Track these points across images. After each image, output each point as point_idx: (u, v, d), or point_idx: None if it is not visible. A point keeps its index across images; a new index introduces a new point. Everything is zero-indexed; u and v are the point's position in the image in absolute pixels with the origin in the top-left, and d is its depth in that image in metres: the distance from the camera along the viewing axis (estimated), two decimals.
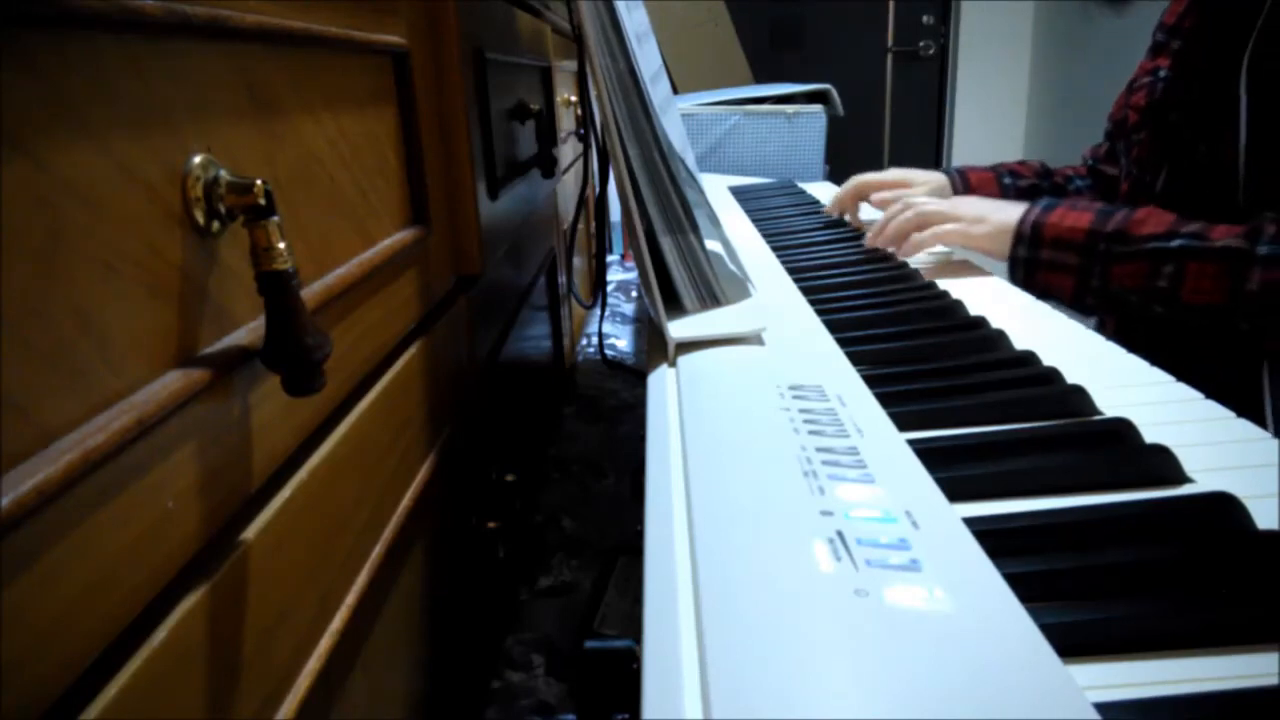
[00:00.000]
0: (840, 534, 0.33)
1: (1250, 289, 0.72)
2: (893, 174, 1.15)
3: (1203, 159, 0.88)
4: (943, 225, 0.92)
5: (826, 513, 0.35)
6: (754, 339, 0.58)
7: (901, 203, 0.96)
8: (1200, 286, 0.74)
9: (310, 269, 0.32)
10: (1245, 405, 0.52)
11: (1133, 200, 0.99)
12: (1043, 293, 0.84)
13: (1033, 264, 0.85)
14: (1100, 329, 0.96)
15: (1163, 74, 0.96)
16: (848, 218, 1.18)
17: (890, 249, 0.96)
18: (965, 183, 1.14)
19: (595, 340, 1.14)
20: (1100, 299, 0.82)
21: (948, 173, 1.15)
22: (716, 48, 3.01)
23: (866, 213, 1.18)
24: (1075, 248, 0.82)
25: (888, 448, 0.41)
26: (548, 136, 0.80)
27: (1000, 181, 1.14)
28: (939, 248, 0.97)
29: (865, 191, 1.15)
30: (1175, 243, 0.76)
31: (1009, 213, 0.88)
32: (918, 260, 0.95)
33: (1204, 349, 0.79)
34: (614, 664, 0.44)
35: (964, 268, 0.93)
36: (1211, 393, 0.55)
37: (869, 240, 0.98)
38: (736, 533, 0.34)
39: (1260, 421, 0.50)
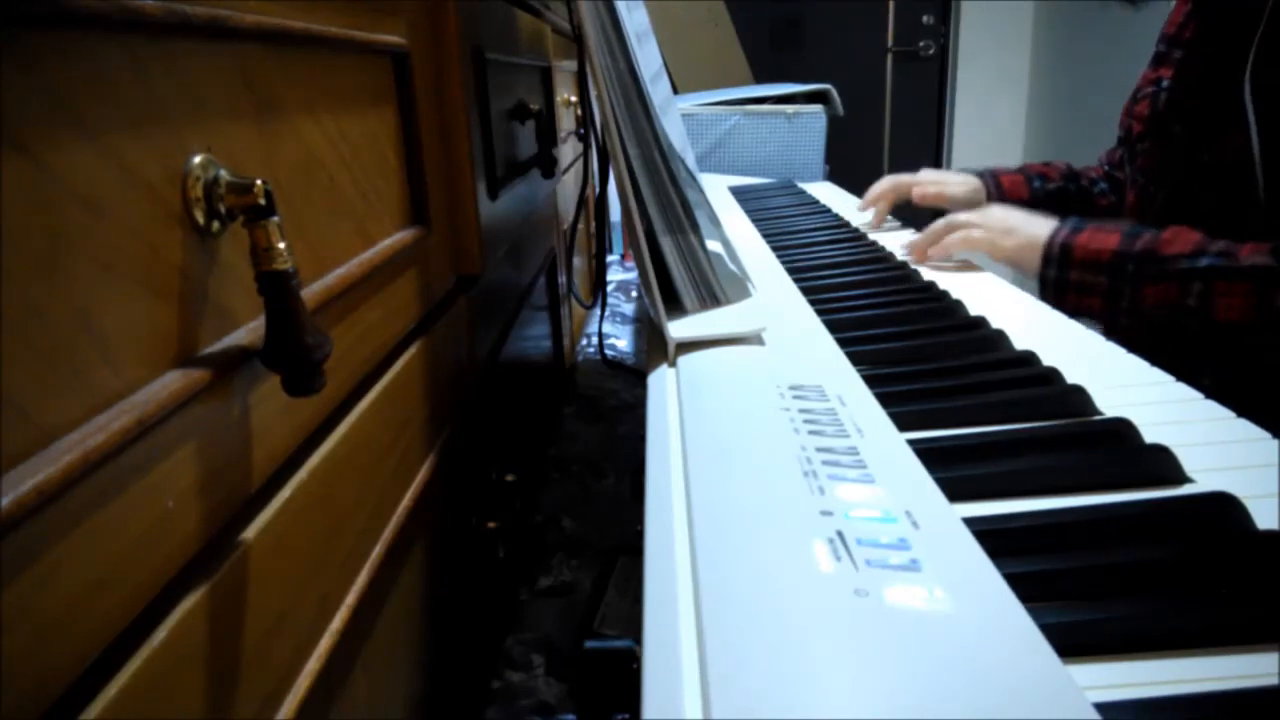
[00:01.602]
0: (840, 534, 0.33)
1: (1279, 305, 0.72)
2: (927, 174, 1.17)
3: (1206, 168, 0.88)
4: (972, 231, 0.92)
5: (826, 513, 0.35)
6: (754, 339, 0.58)
7: (938, 222, 0.97)
8: (1230, 304, 0.75)
9: (310, 269, 0.32)
10: (1245, 408, 0.52)
11: (1139, 210, 1.00)
12: (1073, 312, 0.83)
13: (1062, 284, 0.85)
14: (1106, 332, 0.96)
15: (1165, 84, 0.96)
16: (870, 218, 1.20)
17: (922, 261, 0.96)
18: (997, 183, 1.16)
19: (595, 340, 1.14)
20: (1131, 319, 0.82)
21: (979, 174, 1.17)
22: (716, 48, 3.01)
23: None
24: (1104, 269, 0.82)
25: (888, 448, 0.41)
26: (548, 136, 0.81)
27: (1030, 184, 1.16)
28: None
29: (903, 191, 1.18)
30: (1203, 262, 0.76)
31: (1037, 228, 0.88)
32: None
33: (1207, 352, 0.79)
34: (614, 664, 0.44)
35: (964, 267, 0.93)
36: (1211, 394, 0.55)
37: (910, 253, 0.98)
38: (736, 533, 0.34)
39: (1267, 424, 0.50)
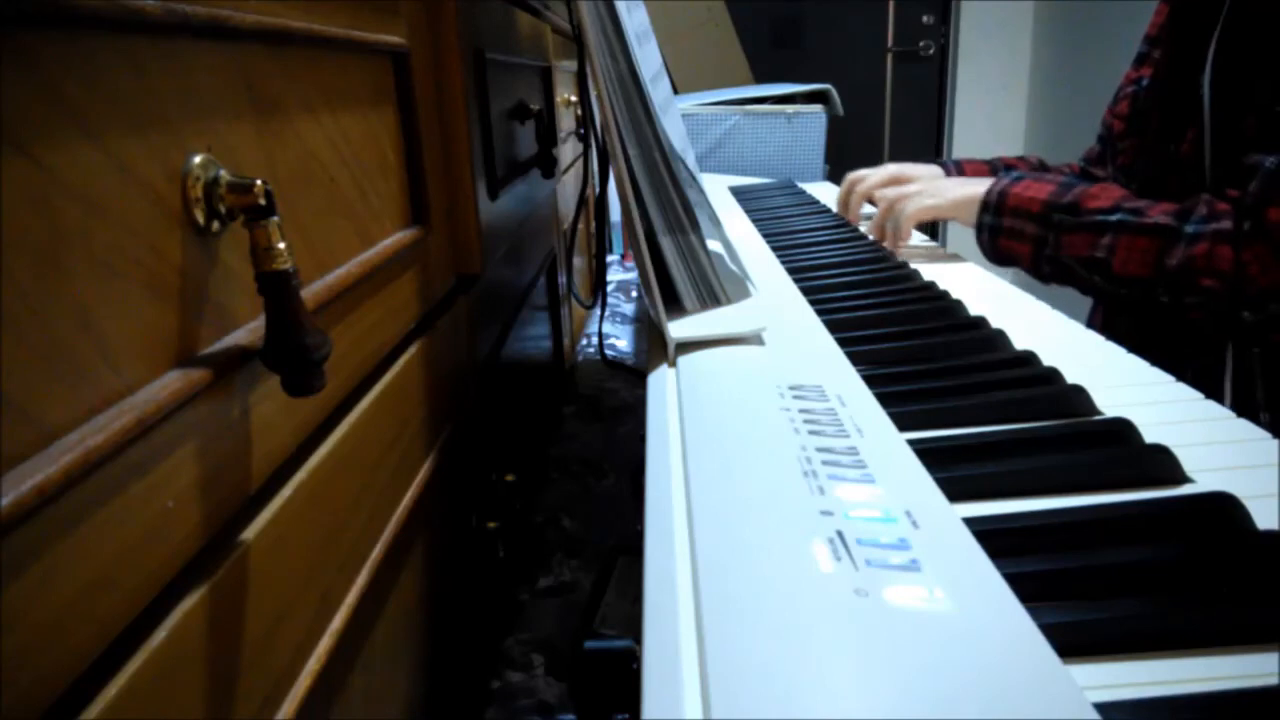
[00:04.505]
0: (840, 534, 0.33)
1: (1171, 264, 0.76)
2: (888, 170, 1.17)
3: (1173, 161, 0.90)
4: (917, 202, 0.97)
5: (826, 513, 0.35)
6: (754, 339, 0.58)
7: (885, 203, 1.02)
8: (1130, 258, 0.79)
9: (310, 269, 0.32)
10: (1235, 401, 0.53)
11: None
12: (1005, 259, 0.90)
13: (995, 230, 0.90)
14: (1090, 320, 0.98)
15: (1144, 82, 0.99)
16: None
17: (887, 245, 1.00)
18: (960, 173, 1.17)
19: (595, 340, 1.14)
20: (1053, 267, 0.86)
21: (944, 164, 1.18)
22: (716, 48, 3.01)
23: (865, 209, 1.21)
24: (1033, 218, 0.87)
25: (888, 448, 0.41)
26: (548, 136, 0.81)
27: (995, 173, 1.16)
28: (928, 242, 1.01)
29: (868, 197, 1.18)
30: (1115, 216, 0.81)
31: (977, 186, 0.94)
32: (913, 256, 0.95)
33: (1188, 339, 0.82)
34: (614, 664, 0.44)
35: (964, 267, 0.93)
36: (1203, 389, 0.55)
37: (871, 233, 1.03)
38: (736, 532, 0.34)
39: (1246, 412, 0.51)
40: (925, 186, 0.99)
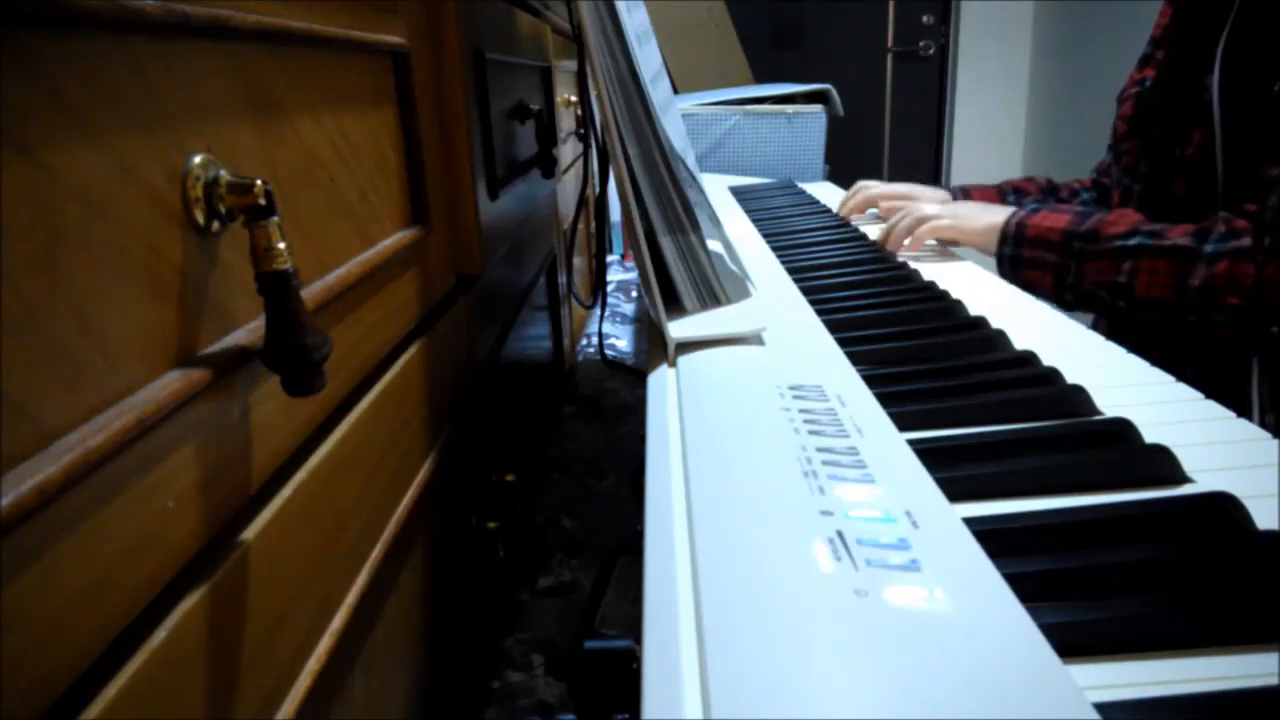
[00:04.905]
0: (840, 534, 0.33)
1: (1193, 284, 0.77)
2: (898, 187, 1.20)
3: (1178, 163, 0.90)
4: (938, 221, 0.98)
5: (826, 513, 0.35)
6: (754, 339, 0.58)
7: (903, 210, 1.03)
8: (1153, 282, 0.80)
9: (310, 269, 0.32)
10: (1234, 402, 0.53)
11: (1122, 206, 1.02)
12: (1026, 288, 0.90)
13: (1016, 261, 0.92)
14: (1095, 327, 0.99)
15: (1148, 83, 0.99)
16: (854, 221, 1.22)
17: (890, 247, 1.00)
18: (967, 195, 1.18)
19: (595, 340, 1.14)
20: (1076, 294, 0.87)
21: (950, 190, 1.19)
22: (716, 48, 3.01)
23: (865, 215, 1.22)
24: (1053, 247, 0.88)
25: (888, 448, 0.41)
26: (548, 136, 0.81)
27: (1004, 199, 1.18)
28: (932, 242, 1.02)
29: (872, 202, 1.20)
30: (1134, 241, 0.82)
31: (998, 213, 0.95)
32: (917, 257, 0.96)
33: (1193, 346, 0.82)
34: (614, 664, 0.44)
35: (963, 267, 0.93)
36: (1203, 389, 0.55)
37: (880, 242, 1.03)
38: (736, 532, 0.34)
39: (1248, 415, 0.51)
40: (943, 208, 1.00)
